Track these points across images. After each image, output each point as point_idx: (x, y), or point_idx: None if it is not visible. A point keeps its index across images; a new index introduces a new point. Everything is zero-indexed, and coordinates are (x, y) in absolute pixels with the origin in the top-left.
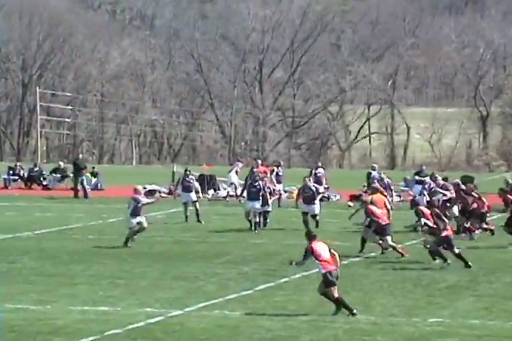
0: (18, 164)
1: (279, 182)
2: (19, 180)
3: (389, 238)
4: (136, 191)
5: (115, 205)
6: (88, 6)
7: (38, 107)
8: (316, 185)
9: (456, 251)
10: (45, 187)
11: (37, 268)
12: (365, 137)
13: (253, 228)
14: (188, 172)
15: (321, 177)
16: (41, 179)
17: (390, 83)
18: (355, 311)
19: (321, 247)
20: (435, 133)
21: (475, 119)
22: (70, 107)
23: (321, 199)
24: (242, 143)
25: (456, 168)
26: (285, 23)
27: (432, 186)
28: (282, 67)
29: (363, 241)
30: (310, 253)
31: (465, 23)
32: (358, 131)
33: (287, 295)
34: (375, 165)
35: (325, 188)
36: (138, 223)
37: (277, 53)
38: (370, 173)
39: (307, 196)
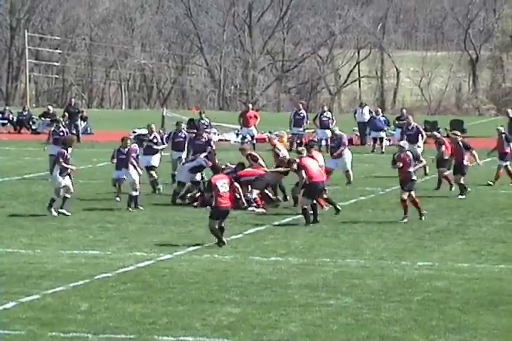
0: (7, 108)
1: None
2: (8, 124)
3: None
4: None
5: (104, 149)
6: None
7: (27, 51)
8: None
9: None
10: (35, 132)
11: (27, 212)
12: (354, 81)
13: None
14: (59, 124)
15: (326, 122)
16: (30, 123)
17: (379, 27)
18: (223, 243)
19: (220, 182)
20: (425, 76)
21: (465, 63)
22: (59, 51)
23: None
24: (232, 87)
25: (446, 112)
26: None
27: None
28: (272, 11)
29: None
30: (210, 185)
31: None
32: (348, 75)
33: (277, 239)
34: (379, 109)
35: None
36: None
37: None
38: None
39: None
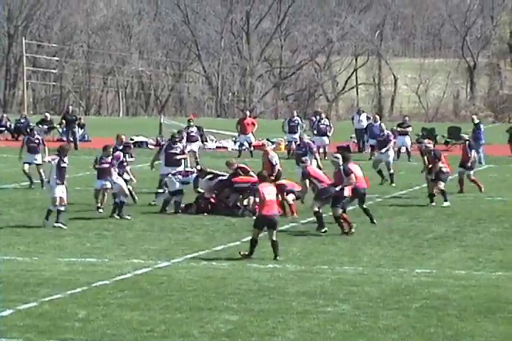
0: (4, 115)
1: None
2: (6, 131)
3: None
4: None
5: None
6: None
7: (24, 58)
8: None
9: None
10: None
11: (24, 219)
12: (352, 88)
13: None
14: (34, 132)
15: (324, 129)
16: (28, 130)
17: (377, 34)
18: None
19: (267, 190)
20: (422, 83)
21: (462, 70)
22: (57, 58)
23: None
24: (230, 94)
25: (443, 119)
26: None
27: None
28: (269, 18)
29: None
30: (258, 193)
31: None
32: (346, 82)
33: None
34: (377, 116)
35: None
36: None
37: (264, 4)
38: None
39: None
